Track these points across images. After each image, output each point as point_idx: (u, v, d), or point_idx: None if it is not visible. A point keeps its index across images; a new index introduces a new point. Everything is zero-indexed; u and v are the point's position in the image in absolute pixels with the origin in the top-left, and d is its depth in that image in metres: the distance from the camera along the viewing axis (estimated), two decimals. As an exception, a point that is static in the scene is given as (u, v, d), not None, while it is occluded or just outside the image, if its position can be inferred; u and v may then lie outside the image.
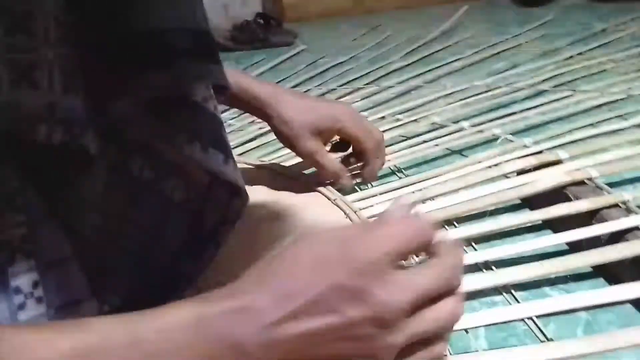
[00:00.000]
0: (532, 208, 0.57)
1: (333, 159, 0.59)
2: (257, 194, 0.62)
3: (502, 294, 0.47)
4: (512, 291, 0.47)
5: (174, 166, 0.38)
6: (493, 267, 0.49)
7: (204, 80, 0.37)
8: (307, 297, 0.26)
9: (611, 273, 0.48)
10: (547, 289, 0.48)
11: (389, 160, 0.69)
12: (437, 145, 0.72)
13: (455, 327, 0.40)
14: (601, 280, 0.48)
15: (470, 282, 0.45)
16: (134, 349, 0.24)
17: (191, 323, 0.25)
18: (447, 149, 0.74)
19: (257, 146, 0.80)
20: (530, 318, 0.42)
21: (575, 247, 0.50)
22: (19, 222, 0.31)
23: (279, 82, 1.20)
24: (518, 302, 0.46)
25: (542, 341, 0.41)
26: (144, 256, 0.39)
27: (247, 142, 0.82)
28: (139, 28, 0.34)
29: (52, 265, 0.32)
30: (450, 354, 0.40)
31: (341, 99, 1.01)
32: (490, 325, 0.42)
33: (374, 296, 0.26)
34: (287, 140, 0.58)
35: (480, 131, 0.75)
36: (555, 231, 0.53)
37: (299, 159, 0.68)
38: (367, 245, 0.27)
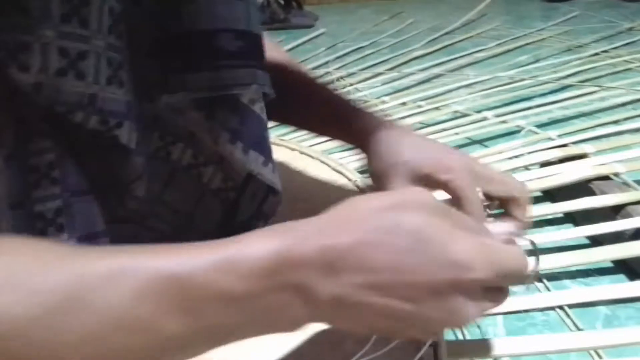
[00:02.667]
0: (554, 201, 0.56)
1: None
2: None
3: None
4: (532, 282, 0.47)
5: (214, 155, 0.39)
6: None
7: (248, 85, 0.37)
8: (377, 247, 0.24)
9: (632, 269, 0.47)
10: (567, 282, 0.47)
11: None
12: (457, 133, 0.72)
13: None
14: (622, 276, 0.48)
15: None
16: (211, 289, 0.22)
17: (268, 268, 0.23)
18: (468, 138, 0.74)
19: (276, 125, 0.79)
20: (551, 308, 0.42)
21: (596, 241, 0.50)
22: (54, 194, 0.31)
23: (299, 63, 1.19)
24: (539, 291, 0.46)
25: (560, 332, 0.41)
26: (174, 239, 0.39)
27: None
28: (190, 27, 0.35)
29: (84, 240, 0.33)
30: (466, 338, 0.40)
31: (361, 83, 1.00)
32: (509, 313, 0.42)
33: (454, 250, 0.24)
34: (375, 176, 0.45)
35: (504, 122, 0.74)
36: (577, 225, 0.52)
37: (320, 138, 0.68)
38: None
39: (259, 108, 0.40)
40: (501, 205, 0.45)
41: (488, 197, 0.46)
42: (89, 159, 0.33)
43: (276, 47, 0.52)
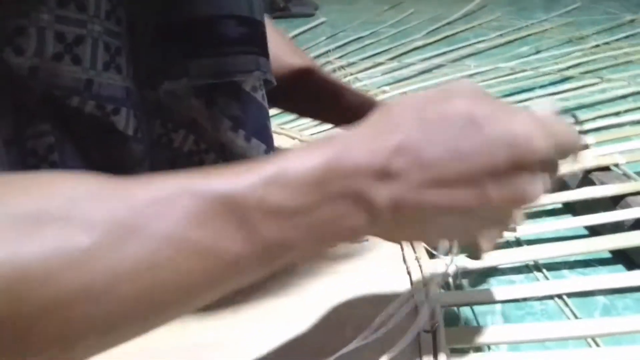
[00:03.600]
0: (554, 191, 0.56)
1: None
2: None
3: (520, 272, 0.47)
4: (531, 271, 0.47)
5: (215, 143, 0.39)
6: (512, 246, 0.49)
7: (250, 72, 0.37)
8: (434, 137, 0.23)
9: (631, 260, 0.47)
10: (565, 272, 0.47)
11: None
12: (458, 124, 0.72)
13: (474, 300, 0.41)
14: (620, 266, 0.48)
15: (489, 260, 0.45)
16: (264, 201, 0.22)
17: (317, 178, 0.22)
18: (469, 128, 0.73)
19: (278, 113, 0.79)
20: (550, 297, 0.42)
21: (595, 232, 0.50)
22: None
23: (299, 52, 1.18)
24: (537, 280, 0.46)
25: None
26: None
27: (267, 109, 0.81)
28: (192, 14, 0.35)
29: None
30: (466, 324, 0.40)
31: (361, 73, 1.00)
32: (507, 302, 0.43)
33: (518, 132, 0.23)
34: None
35: (504, 112, 0.74)
36: (577, 215, 0.53)
37: (321, 127, 0.68)
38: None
39: (261, 96, 0.40)
40: None
41: None
42: (88, 143, 0.33)
43: (298, 52, 0.51)
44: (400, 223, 0.24)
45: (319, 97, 0.51)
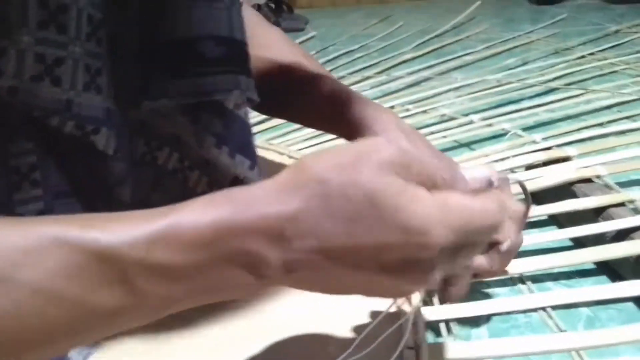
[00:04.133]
0: (538, 204, 0.57)
1: None
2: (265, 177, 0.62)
3: (505, 285, 0.47)
4: (515, 284, 0.47)
5: (199, 160, 0.39)
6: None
7: (230, 91, 0.38)
8: (347, 229, 0.23)
9: (614, 271, 0.48)
10: (550, 284, 0.48)
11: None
12: (445, 137, 0.72)
13: (458, 315, 0.41)
14: (604, 277, 0.48)
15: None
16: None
17: (210, 237, 0.22)
18: (455, 141, 0.74)
19: (266, 129, 0.80)
20: (534, 310, 0.42)
21: (579, 243, 0.50)
22: (35, 196, 0.31)
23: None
24: (521, 293, 0.46)
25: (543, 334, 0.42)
26: None
27: (256, 124, 0.82)
28: (170, 35, 0.35)
29: None
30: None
31: (350, 87, 1.01)
32: (492, 315, 0.43)
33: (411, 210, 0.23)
34: None
35: (490, 125, 0.75)
36: (561, 227, 0.53)
37: (309, 142, 0.68)
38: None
39: (244, 113, 0.40)
40: None
41: None
42: (70, 162, 0.33)
43: (289, 44, 0.52)
44: (294, 282, 0.24)
45: (307, 90, 0.49)
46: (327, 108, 0.48)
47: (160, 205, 0.40)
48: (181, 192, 0.41)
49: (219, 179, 0.42)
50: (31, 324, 0.20)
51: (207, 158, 0.39)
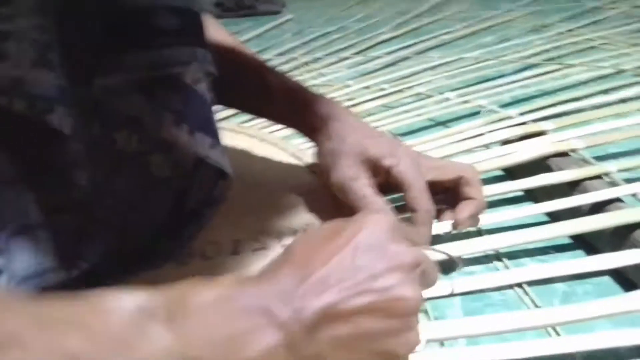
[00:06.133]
0: (513, 179, 0.56)
1: (374, 193, 0.43)
2: (236, 160, 0.60)
3: (480, 262, 0.46)
4: (491, 261, 0.46)
5: (160, 142, 0.37)
6: (473, 236, 0.48)
7: (187, 64, 0.36)
8: (327, 263, 0.26)
9: (591, 245, 0.47)
10: (525, 260, 0.47)
11: (376, 128, 0.67)
12: (419, 115, 0.71)
13: (432, 294, 0.40)
14: (580, 252, 0.47)
15: (448, 250, 0.44)
16: (166, 330, 0.22)
17: (225, 297, 0.24)
18: (430, 119, 0.73)
19: (237, 112, 0.77)
20: (509, 286, 0.41)
21: (555, 218, 0.49)
22: None
23: (264, 50, 1.16)
24: (497, 270, 0.45)
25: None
26: (122, 227, 0.38)
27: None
28: (124, 5, 0.33)
29: (17, 232, 0.31)
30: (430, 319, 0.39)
31: (326, 68, 0.99)
32: (466, 294, 0.42)
33: (389, 249, 0.28)
34: (325, 156, 0.46)
35: (466, 102, 0.73)
36: (537, 202, 0.52)
37: (279, 125, 0.66)
38: (374, 218, 0.29)
39: (203, 88, 0.38)
40: (456, 191, 0.45)
41: (437, 189, 0.46)
42: (21, 144, 0.31)
43: (221, 29, 0.50)
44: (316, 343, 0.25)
45: (242, 72, 0.49)
46: (280, 99, 0.48)
47: (120, 192, 0.38)
48: (143, 177, 0.39)
49: (182, 162, 0.40)
50: None
51: (167, 138, 0.37)
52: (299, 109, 0.47)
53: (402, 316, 0.28)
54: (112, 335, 0.21)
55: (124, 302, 0.22)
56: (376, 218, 0.29)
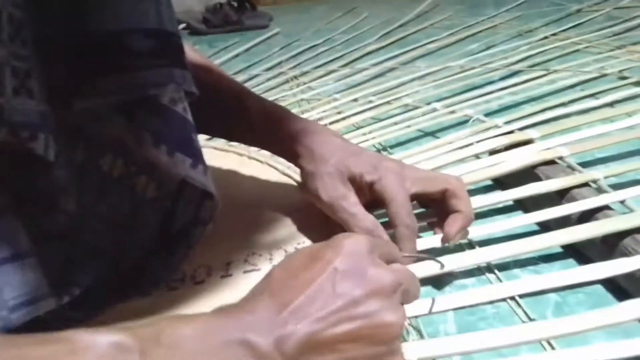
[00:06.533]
0: (503, 189, 0.56)
1: (364, 211, 0.44)
2: (225, 179, 0.60)
3: (473, 275, 0.46)
4: (483, 273, 0.46)
5: (144, 164, 0.37)
6: (465, 249, 0.48)
7: (164, 85, 0.36)
8: (306, 290, 0.26)
9: (582, 254, 0.47)
10: (517, 271, 0.47)
11: (367, 141, 0.68)
12: (409, 126, 0.71)
13: (425, 311, 0.40)
14: (571, 261, 0.47)
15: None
16: None
17: (204, 330, 0.25)
18: (419, 130, 0.73)
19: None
20: (502, 300, 0.41)
21: (546, 228, 0.49)
22: None
23: (252, 65, 1.17)
24: (491, 283, 0.45)
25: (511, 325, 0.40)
26: (112, 252, 0.38)
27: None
28: (96, 29, 0.33)
29: (6, 261, 0.30)
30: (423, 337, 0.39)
31: (313, 82, 0.99)
32: (459, 308, 0.41)
33: (368, 273, 0.28)
34: (310, 178, 0.45)
35: (453, 112, 0.73)
36: (527, 212, 0.52)
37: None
38: (351, 241, 0.29)
39: (182, 108, 0.38)
40: (444, 203, 0.45)
41: (424, 201, 0.46)
42: (7, 174, 0.30)
43: (193, 50, 0.50)
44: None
45: (220, 98, 0.49)
46: (261, 126, 0.48)
47: (108, 216, 0.38)
48: (129, 200, 0.39)
49: (167, 183, 0.40)
50: None
51: (149, 159, 0.37)
52: (278, 135, 0.47)
53: (386, 342, 0.27)
54: None
55: (99, 340, 0.22)
56: (353, 241, 0.29)
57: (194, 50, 0.51)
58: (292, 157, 0.47)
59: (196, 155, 0.39)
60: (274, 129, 0.47)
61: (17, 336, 0.23)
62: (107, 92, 0.34)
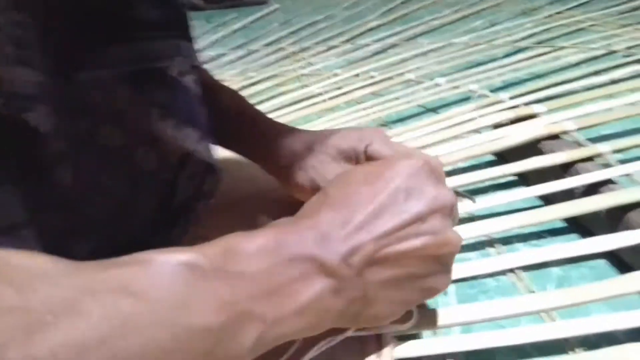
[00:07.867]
0: (506, 163, 0.55)
1: None
2: (227, 160, 0.59)
3: (475, 249, 0.45)
4: (484, 247, 0.45)
5: (145, 135, 0.36)
6: (466, 222, 0.47)
7: (172, 57, 0.35)
8: (369, 206, 0.26)
9: (585, 228, 0.46)
10: (519, 245, 0.46)
11: (367, 116, 0.66)
12: (409, 102, 0.70)
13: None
14: (575, 235, 0.47)
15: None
16: (215, 284, 0.22)
17: (269, 247, 0.24)
18: (421, 105, 0.72)
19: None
20: (503, 272, 0.41)
21: (549, 202, 0.48)
22: None
23: (251, 41, 1.15)
24: (491, 256, 0.44)
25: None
26: (111, 224, 0.37)
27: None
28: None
29: (2, 233, 0.30)
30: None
31: (314, 57, 0.97)
32: (460, 281, 0.41)
33: (430, 191, 0.27)
34: (311, 178, 0.42)
35: (456, 87, 0.72)
36: (529, 186, 0.51)
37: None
38: (409, 161, 0.29)
39: (191, 81, 0.37)
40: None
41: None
42: (3, 145, 0.30)
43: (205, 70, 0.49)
44: (372, 285, 0.26)
45: (230, 116, 0.47)
46: (265, 144, 0.45)
47: (107, 188, 0.37)
48: (129, 172, 0.38)
49: (168, 155, 0.39)
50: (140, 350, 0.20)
51: (153, 132, 0.36)
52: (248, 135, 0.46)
53: (447, 259, 0.28)
54: (165, 295, 0.21)
55: (171, 260, 0.22)
56: (410, 162, 0.29)
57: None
58: (277, 170, 0.45)
59: (203, 129, 0.38)
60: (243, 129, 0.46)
61: (83, 262, 0.23)
62: (114, 62, 0.33)
